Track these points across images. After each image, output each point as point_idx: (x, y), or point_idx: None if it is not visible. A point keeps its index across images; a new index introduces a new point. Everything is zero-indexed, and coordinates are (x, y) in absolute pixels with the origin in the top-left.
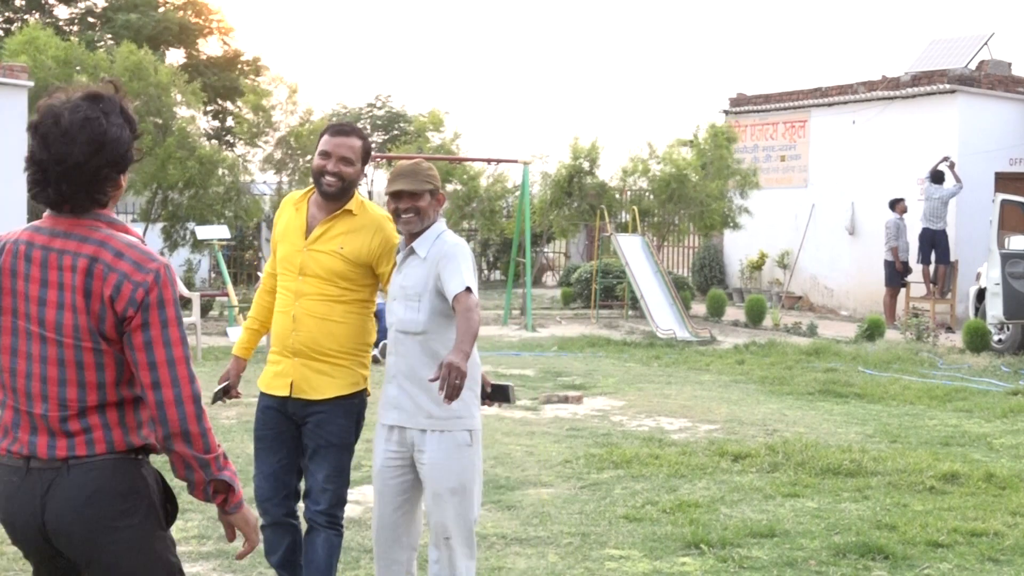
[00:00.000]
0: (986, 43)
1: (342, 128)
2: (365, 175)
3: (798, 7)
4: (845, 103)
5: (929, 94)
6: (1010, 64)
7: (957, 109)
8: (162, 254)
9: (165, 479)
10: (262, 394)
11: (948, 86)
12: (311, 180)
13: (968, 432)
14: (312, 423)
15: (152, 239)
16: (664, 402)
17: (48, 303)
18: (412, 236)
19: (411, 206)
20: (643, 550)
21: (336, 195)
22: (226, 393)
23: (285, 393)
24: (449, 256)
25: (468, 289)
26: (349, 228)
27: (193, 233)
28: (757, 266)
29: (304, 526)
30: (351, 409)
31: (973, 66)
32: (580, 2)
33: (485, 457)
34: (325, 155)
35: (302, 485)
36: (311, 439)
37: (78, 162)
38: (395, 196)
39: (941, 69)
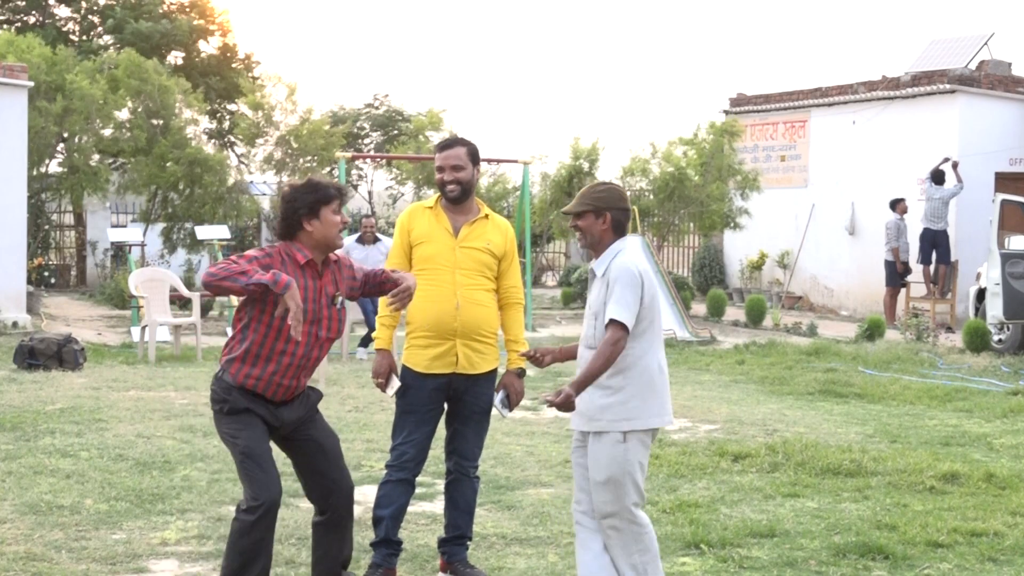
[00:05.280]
0: (986, 43)
1: (447, 142)
2: (479, 173)
3: (798, 7)
4: (845, 103)
5: (929, 94)
6: (1010, 64)
7: (957, 109)
8: (161, 255)
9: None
10: (419, 374)
11: (948, 86)
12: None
13: (968, 432)
14: (471, 394)
15: (152, 239)
16: None
17: None
18: (594, 255)
19: (575, 224)
20: None
21: (460, 197)
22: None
23: (450, 371)
24: (613, 280)
25: (614, 321)
26: (488, 228)
27: (191, 234)
28: (757, 266)
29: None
30: (495, 380)
31: (973, 66)
32: (580, 2)
33: (485, 456)
34: (440, 169)
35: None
36: (468, 407)
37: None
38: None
39: (941, 69)
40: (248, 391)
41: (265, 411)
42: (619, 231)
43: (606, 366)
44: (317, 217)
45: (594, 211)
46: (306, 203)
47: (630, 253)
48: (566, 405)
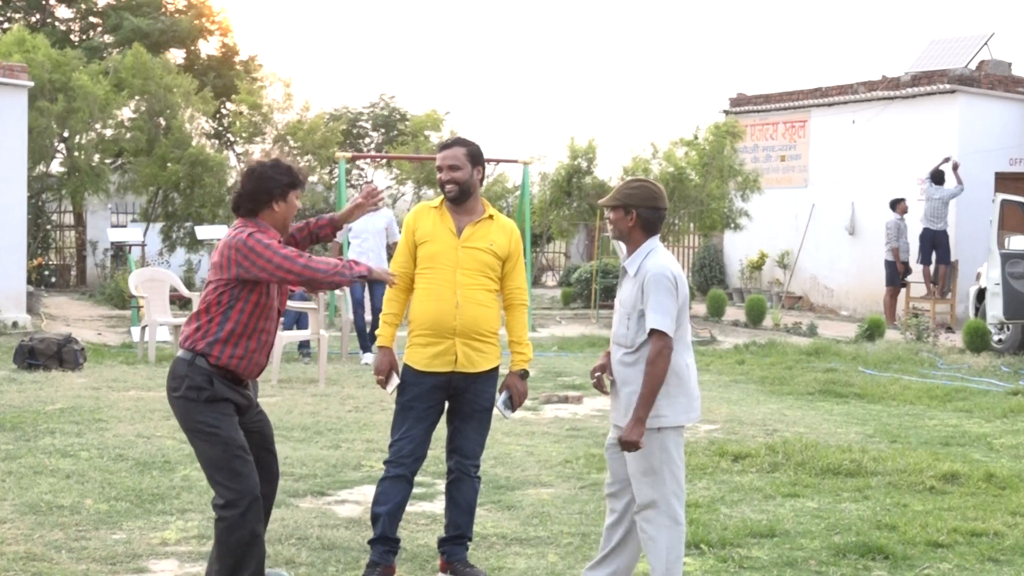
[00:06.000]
0: (986, 43)
1: (446, 143)
2: (482, 174)
3: (798, 7)
4: (845, 103)
5: (929, 94)
6: (1010, 64)
7: (957, 109)
8: (161, 254)
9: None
10: (418, 371)
11: (948, 86)
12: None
13: (968, 432)
14: (471, 392)
15: (152, 239)
16: None
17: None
18: (628, 252)
19: (608, 217)
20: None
21: (460, 197)
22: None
23: (449, 369)
24: (649, 285)
25: (656, 331)
26: (492, 229)
27: (191, 233)
28: (757, 266)
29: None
30: (496, 379)
31: (973, 66)
32: (580, 2)
33: (485, 456)
34: (439, 169)
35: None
36: (468, 405)
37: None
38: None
39: (941, 69)
40: (229, 373)
41: (239, 397)
42: (648, 230)
43: (662, 378)
44: (285, 200)
45: (623, 207)
46: (280, 184)
47: (662, 254)
48: (631, 447)
